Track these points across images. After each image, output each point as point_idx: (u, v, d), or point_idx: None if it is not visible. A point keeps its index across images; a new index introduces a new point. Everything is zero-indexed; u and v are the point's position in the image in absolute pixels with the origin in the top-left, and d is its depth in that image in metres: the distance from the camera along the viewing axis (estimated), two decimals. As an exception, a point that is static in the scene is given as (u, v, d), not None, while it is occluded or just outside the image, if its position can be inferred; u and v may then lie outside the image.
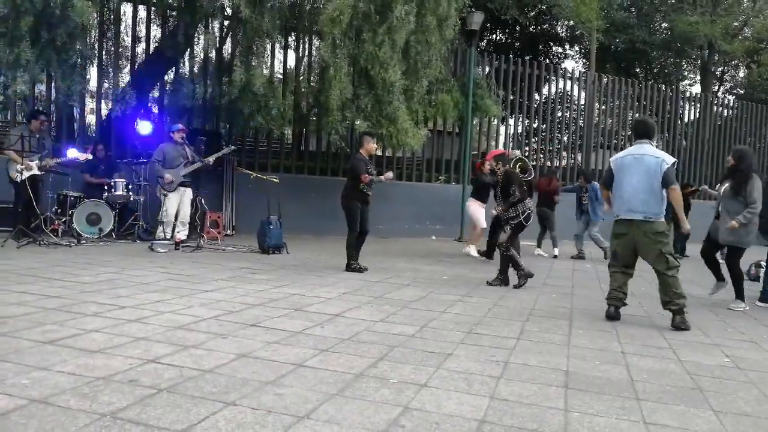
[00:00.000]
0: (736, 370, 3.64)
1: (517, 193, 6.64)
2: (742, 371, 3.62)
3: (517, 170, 9.19)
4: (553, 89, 16.87)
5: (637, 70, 24.48)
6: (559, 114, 16.93)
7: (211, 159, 8.57)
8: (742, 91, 25.70)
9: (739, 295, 6.05)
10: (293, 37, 12.52)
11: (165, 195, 8.33)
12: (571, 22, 19.91)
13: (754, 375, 3.55)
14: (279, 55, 12.88)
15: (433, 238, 12.61)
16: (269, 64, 12.00)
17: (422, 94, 11.04)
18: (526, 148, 16.35)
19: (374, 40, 9.36)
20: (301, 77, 12.92)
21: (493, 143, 16.06)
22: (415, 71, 10.44)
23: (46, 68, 8.55)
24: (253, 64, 9.69)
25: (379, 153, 14.16)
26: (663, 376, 3.39)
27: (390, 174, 7.34)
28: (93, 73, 11.33)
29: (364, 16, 9.19)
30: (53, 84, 10.29)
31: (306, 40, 12.53)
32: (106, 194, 9.09)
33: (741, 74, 27.09)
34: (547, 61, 19.80)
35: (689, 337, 4.50)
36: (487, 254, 9.32)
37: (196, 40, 11.39)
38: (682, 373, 3.48)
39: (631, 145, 5.18)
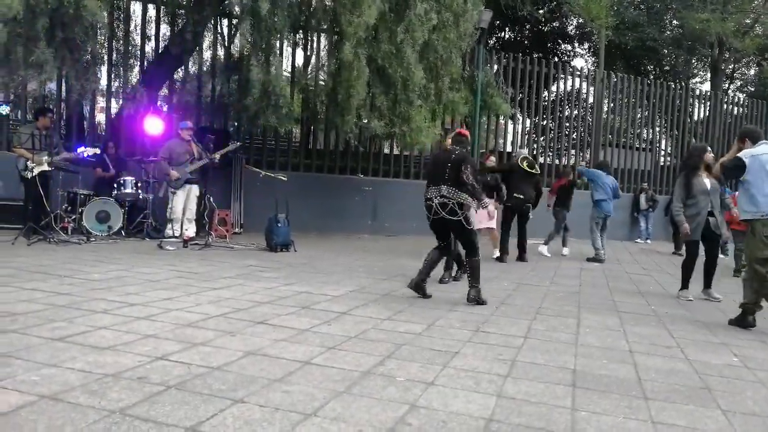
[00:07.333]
0: (744, 370, 3.62)
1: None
2: (751, 370, 3.60)
3: (525, 166, 9.08)
4: (562, 87, 16.79)
5: (648, 67, 24.31)
6: (568, 112, 16.84)
7: (216, 156, 8.70)
8: (752, 89, 25.48)
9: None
10: (301, 35, 12.52)
11: (173, 192, 8.46)
12: (581, 20, 19.81)
13: (762, 374, 3.53)
14: (286, 52, 12.86)
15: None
16: (280, 61, 11.99)
17: (442, 92, 10.93)
18: (534, 145, 16.26)
19: (391, 40, 9.32)
20: (310, 75, 12.92)
21: (502, 141, 16.01)
22: (433, 69, 10.37)
23: (60, 68, 8.59)
24: (265, 62, 9.66)
25: (387, 151, 14.20)
26: (671, 376, 3.37)
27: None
28: (103, 71, 11.42)
29: (380, 15, 9.15)
30: (63, 82, 10.36)
31: (315, 37, 12.52)
32: (116, 192, 9.15)
33: (752, 72, 26.86)
34: (557, 59, 19.70)
35: (697, 336, 4.48)
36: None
37: (204, 37, 11.41)
38: (691, 373, 3.46)
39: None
